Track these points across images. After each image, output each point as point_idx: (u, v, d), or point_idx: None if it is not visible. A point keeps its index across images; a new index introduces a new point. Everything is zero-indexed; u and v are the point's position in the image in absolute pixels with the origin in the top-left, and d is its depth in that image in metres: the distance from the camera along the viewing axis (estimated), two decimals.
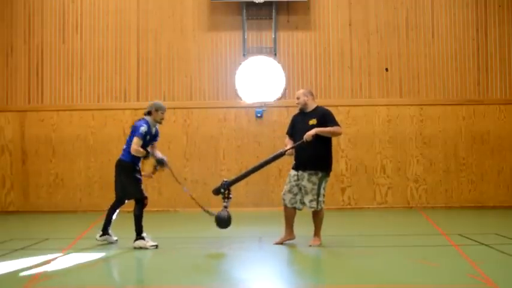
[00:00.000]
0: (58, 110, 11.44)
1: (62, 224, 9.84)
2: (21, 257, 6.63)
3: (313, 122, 7.13)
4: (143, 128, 7.14)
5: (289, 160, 7.56)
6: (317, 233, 7.24)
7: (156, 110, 7.35)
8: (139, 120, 7.31)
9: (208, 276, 5.77)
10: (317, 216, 7.20)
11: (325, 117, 7.16)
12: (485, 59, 11.49)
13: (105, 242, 7.39)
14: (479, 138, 11.40)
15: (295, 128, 7.33)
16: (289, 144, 7.32)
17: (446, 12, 11.56)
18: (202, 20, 11.58)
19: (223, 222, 7.28)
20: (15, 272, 5.85)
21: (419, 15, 11.56)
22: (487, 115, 11.41)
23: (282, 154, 7.29)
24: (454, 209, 11.17)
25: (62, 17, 11.57)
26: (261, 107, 11.40)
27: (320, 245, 7.12)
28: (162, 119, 7.40)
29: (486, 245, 7.09)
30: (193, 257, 6.73)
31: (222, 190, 7.36)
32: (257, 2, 11.16)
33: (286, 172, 11.19)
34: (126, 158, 7.25)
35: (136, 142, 7.10)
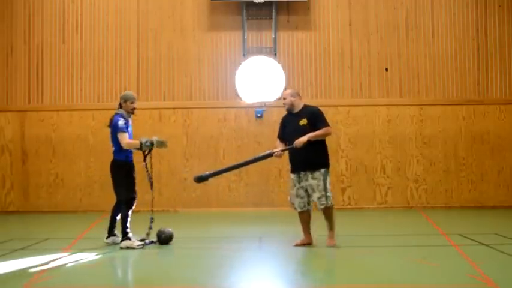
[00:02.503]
0: (58, 110, 11.44)
1: (62, 224, 9.84)
2: (21, 257, 6.63)
3: (303, 121, 7.04)
4: (121, 122, 7.18)
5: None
6: (331, 231, 7.09)
7: (125, 101, 7.35)
8: (114, 115, 7.31)
9: (208, 276, 5.77)
10: (328, 213, 7.07)
11: (315, 117, 7.07)
12: (485, 59, 11.49)
13: (112, 243, 7.35)
14: (479, 138, 11.40)
15: (286, 130, 7.22)
16: (279, 147, 7.22)
17: (446, 12, 11.56)
18: (202, 20, 11.58)
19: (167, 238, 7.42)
20: (15, 272, 5.85)
21: (419, 15, 11.56)
22: (487, 115, 11.41)
23: (270, 155, 7.20)
24: (454, 209, 11.17)
25: (62, 17, 11.57)
26: (261, 107, 11.40)
27: (335, 245, 7.00)
28: (134, 108, 7.38)
29: (486, 245, 7.09)
30: (193, 256, 6.72)
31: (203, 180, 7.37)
32: (257, 2, 11.15)
33: (286, 172, 11.23)
34: (119, 157, 7.27)
35: (122, 137, 7.14)
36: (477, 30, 11.53)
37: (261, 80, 11.36)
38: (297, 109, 7.21)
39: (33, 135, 11.40)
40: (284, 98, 7.28)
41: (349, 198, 11.34)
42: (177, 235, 7.58)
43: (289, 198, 7.28)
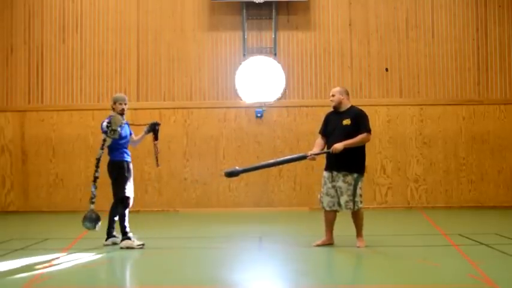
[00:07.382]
0: (58, 110, 11.44)
1: (62, 224, 9.83)
2: (21, 257, 6.63)
3: (347, 122, 6.98)
4: (105, 124, 7.19)
5: None
6: (359, 233, 7.10)
7: (114, 103, 7.37)
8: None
9: (208, 276, 5.77)
10: (356, 217, 7.07)
11: (358, 119, 7.01)
12: (485, 59, 11.49)
13: (112, 243, 7.33)
14: (479, 138, 11.40)
15: (329, 128, 7.14)
16: (316, 146, 7.16)
17: (446, 12, 11.56)
18: (202, 20, 11.58)
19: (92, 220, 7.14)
20: (15, 272, 5.85)
21: (419, 15, 11.56)
22: (487, 115, 11.41)
23: (303, 157, 7.15)
24: (454, 209, 11.17)
25: (62, 17, 11.57)
26: (261, 107, 11.40)
27: (366, 246, 6.98)
28: (123, 109, 7.36)
29: (486, 245, 7.09)
30: (193, 256, 6.73)
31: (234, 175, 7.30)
32: (257, 2, 11.16)
33: (286, 172, 11.30)
34: (115, 157, 7.30)
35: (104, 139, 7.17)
36: (477, 30, 11.53)
37: (261, 80, 11.37)
38: (343, 108, 7.13)
39: (33, 135, 11.40)
40: (333, 95, 7.17)
41: None
42: (177, 235, 7.58)
43: (319, 196, 7.18)
